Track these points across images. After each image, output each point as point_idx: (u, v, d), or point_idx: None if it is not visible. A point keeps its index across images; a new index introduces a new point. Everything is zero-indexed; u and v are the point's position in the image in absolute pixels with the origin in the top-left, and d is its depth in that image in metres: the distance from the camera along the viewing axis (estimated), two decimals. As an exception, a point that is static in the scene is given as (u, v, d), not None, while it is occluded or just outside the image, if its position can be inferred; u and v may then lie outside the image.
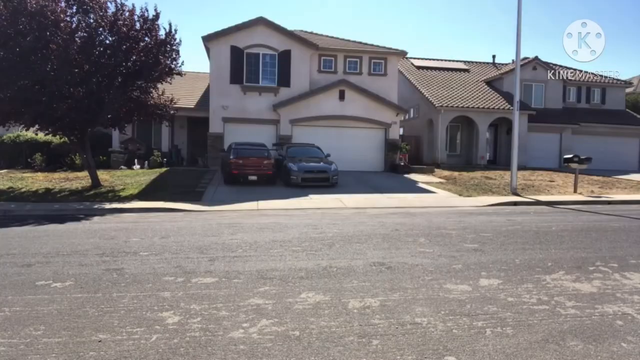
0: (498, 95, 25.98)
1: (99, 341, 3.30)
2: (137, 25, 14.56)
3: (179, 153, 22.29)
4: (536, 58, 26.88)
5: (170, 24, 15.07)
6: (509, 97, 24.61)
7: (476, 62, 32.19)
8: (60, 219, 9.31)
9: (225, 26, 20.18)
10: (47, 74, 12.40)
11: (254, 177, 14.92)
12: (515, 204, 12.50)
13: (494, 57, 32.20)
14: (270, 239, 7.03)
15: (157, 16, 15.01)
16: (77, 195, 12.64)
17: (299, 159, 15.78)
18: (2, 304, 4.06)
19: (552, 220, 9.54)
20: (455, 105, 24.19)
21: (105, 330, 3.48)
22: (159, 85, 16.35)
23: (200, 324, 3.63)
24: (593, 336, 3.52)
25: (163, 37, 15.02)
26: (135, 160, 19.78)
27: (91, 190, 13.32)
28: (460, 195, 13.90)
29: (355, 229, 8.09)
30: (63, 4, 13.52)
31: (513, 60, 20.25)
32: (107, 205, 11.04)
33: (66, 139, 16.55)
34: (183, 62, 16.33)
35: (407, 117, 27.02)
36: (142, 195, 12.57)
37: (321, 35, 23.94)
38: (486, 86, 27.42)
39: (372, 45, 22.76)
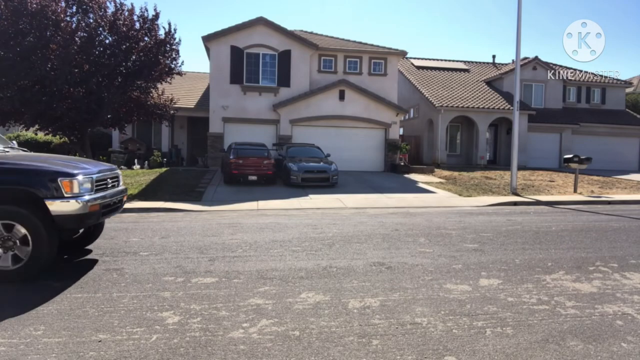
0: (498, 95, 25.99)
1: (99, 341, 3.30)
2: (137, 25, 14.58)
3: (179, 153, 22.32)
4: (536, 58, 26.90)
5: (169, 24, 15.13)
6: (509, 97, 24.63)
7: (476, 62, 32.22)
8: (60, 219, 9.28)
9: (225, 26, 20.24)
10: (47, 74, 12.41)
11: (254, 177, 14.92)
12: (515, 204, 12.50)
13: (494, 57, 32.24)
14: (270, 239, 7.03)
15: (156, 16, 15.03)
16: (77, 195, 12.61)
17: (299, 159, 15.79)
18: (2, 304, 4.06)
19: (552, 220, 9.54)
20: (455, 105, 24.20)
21: (105, 330, 3.48)
22: (158, 85, 16.37)
23: (200, 324, 3.63)
24: (593, 336, 3.51)
25: (162, 36, 15.04)
26: (135, 160, 19.79)
27: (91, 190, 13.30)
28: (460, 195, 13.90)
29: (355, 229, 8.08)
30: (63, 4, 13.54)
31: (513, 60, 20.28)
32: (107, 205, 11.02)
33: (66, 138, 16.57)
34: (183, 62, 16.38)
35: (407, 117, 27.04)
36: (142, 195, 12.57)
37: (321, 35, 23.96)
38: (486, 86, 27.43)
39: (372, 45, 22.78)
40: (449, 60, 31.67)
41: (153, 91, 16.65)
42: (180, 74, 17.44)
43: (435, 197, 13.65)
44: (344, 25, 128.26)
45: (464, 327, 3.63)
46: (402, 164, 21.08)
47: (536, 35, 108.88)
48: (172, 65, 16.01)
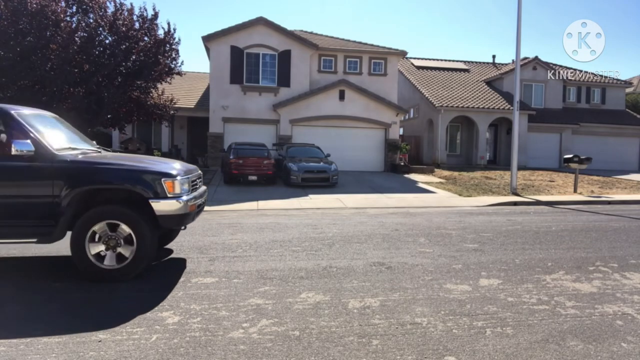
0: (498, 95, 25.99)
1: (99, 341, 3.30)
2: (137, 25, 14.59)
3: (179, 153, 22.31)
4: (536, 58, 26.90)
5: (168, 23, 15.17)
6: (509, 97, 24.64)
7: (476, 62, 32.23)
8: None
9: (225, 26, 20.23)
10: (47, 74, 12.41)
11: (254, 177, 14.91)
12: (515, 204, 12.50)
13: (494, 57, 32.25)
14: (270, 239, 7.03)
15: (156, 15, 15.03)
16: (77, 195, 12.60)
17: (299, 159, 15.79)
18: (2, 304, 4.06)
19: (552, 220, 9.54)
20: (455, 105, 24.21)
21: (105, 330, 3.48)
22: (158, 85, 16.36)
23: (200, 324, 3.63)
24: (593, 336, 3.51)
25: (162, 36, 15.05)
26: (135, 160, 19.76)
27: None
28: (460, 195, 13.89)
29: (355, 229, 8.08)
30: (63, 4, 13.54)
31: (513, 60, 20.28)
32: (107, 205, 11.00)
33: None
34: (182, 62, 16.40)
35: (407, 117, 27.03)
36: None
37: (321, 35, 23.97)
38: (486, 86, 27.44)
39: (372, 45, 22.79)
40: (449, 60, 31.69)
41: (153, 91, 16.66)
42: (180, 73, 17.45)
43: (435, 197, 13.65)
44: (344, 25, 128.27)
45: (464, 327, 3.63)
46: (402, 164, 21.08)
47: (536, 35, 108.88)
48: (172, 65, 16.02)
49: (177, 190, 4.81)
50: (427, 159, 25.30)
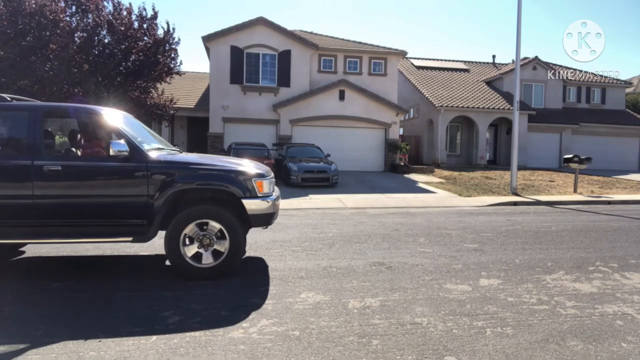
0: (498, 95, 25.99)
1: (99, 341, 3.29)
2: (136, 24, 14.58)
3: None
4: (536, 58, 26.91)
5: (167, 23, 15.17)
6: (509, 97, 24.65)
7: (476, 62, 32.24)
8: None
9: (225, 26, 20.22)
10: (46, 74, 12.40)
11: (253, 177, 14.88)
12: (515, 204, 12.50)
13: (494, 57, 32.27)
14: (270, 239, 7.02)
15: (155, 15, 15.03)
16: (77, 195, 12.59)
17: (299, 159, 15.79)
18: (2, 304, 4.06)
19: (552, 220, 9.54)
20: (455, 105, 24.21)
21: (105, 330, 3.48)
22: (158, 85, 16.36)
23: (200, 324, 3.63)
24: (593, 336, 3.51)
25: (161, 36, 15.05)
26: (135, 160, 19.74)
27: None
28: (460, 195, 13.89)
29: (355, 229, 8.08)
30: (62, 4, 13.53)
31: (513, 60, 20.28)
32: (107, 205, 10.99)
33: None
34: (181, 61, 16.43)
35: (407, 117, 27.04)
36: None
37: (321, 35, 23.97)
38: (486, 86, 27.44)
39: (372, 45, 22.79)
40: (449, 60, 31.69)
41: (153, 91, 16.65)
42: (179, 73, 17.46)
43: (435, 197, 13.65)
44: (344, 25, 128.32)
45: (464, 327, 3.63)
46: (402, 164, 21.08)
47: (536, 35, 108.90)
48: (172, 65, 16.02)
49: (266, 190, 4.92)
50: (427, 159, 25.31)
